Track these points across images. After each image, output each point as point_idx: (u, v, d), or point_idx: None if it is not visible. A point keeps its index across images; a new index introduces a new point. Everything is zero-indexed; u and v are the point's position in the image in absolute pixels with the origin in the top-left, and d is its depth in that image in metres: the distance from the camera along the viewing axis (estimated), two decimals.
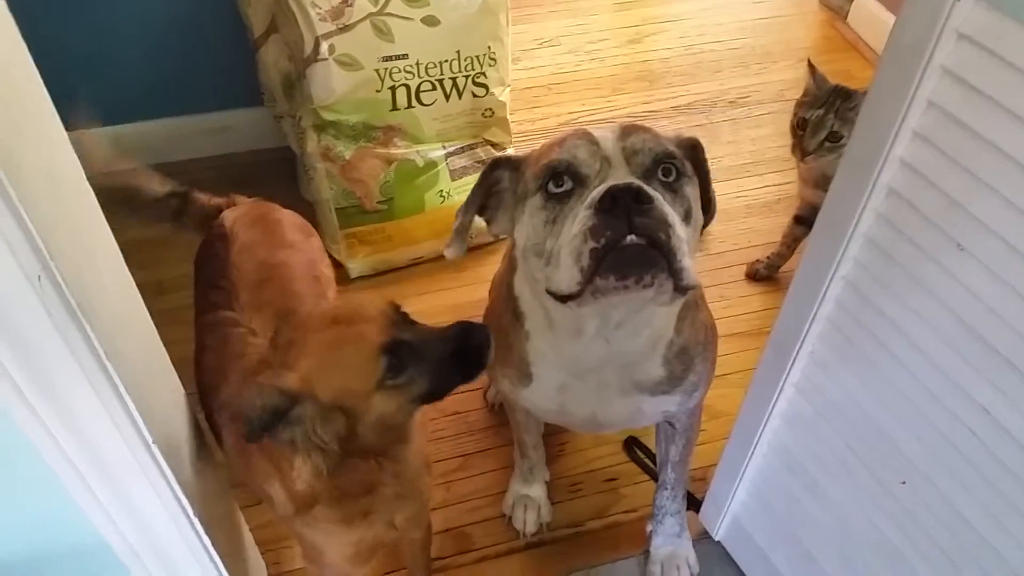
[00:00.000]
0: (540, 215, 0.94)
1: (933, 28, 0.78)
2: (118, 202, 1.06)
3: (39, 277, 0.65)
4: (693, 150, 1.02)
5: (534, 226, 0.95)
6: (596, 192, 0.88)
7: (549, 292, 0.93)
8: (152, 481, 0.90)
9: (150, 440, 0.86)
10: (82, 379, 0.74)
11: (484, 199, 1.07)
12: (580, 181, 0.92)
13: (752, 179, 2.25)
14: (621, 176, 0.91)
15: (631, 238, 0.85)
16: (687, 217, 0.93)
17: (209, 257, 1.26)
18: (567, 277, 0.88)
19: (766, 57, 2.65)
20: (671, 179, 0.93)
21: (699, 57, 2.64)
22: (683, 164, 0.96)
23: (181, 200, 1.37)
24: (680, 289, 0.88)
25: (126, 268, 0.89)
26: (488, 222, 1.08)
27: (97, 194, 0.82)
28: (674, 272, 0.86)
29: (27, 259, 0.64)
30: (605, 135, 0.95)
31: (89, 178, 0.80)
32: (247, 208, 1.34)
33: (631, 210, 0.85)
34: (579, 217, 0.88)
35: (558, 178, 0.93)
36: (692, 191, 0.97)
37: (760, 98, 2.50)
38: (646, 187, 0.88)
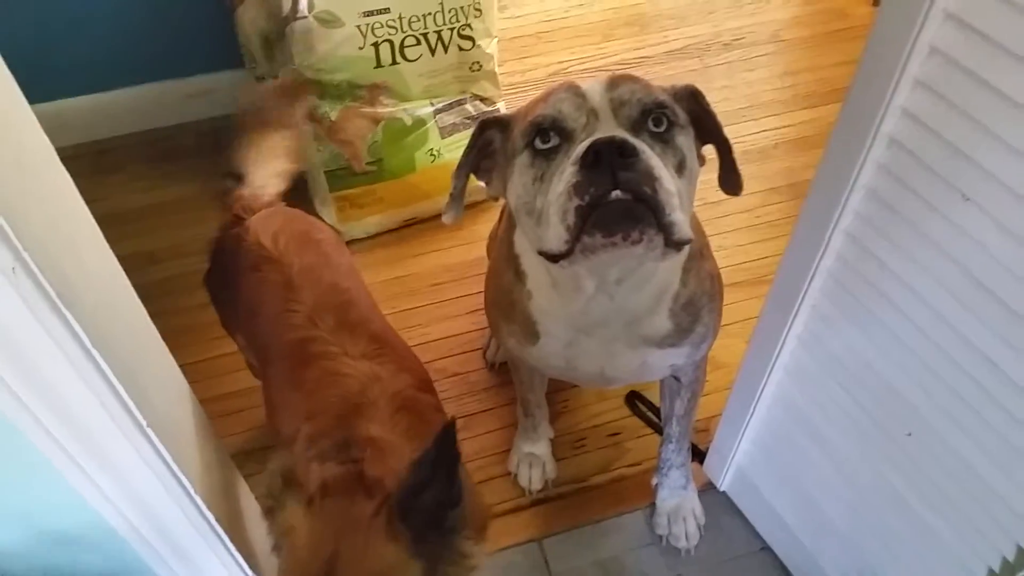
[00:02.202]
0: (528, 173, 0.92)
1: None
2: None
3: (13, 269, 0.63)
4: (693, 98, 0.99)
5: (523, 184, 0.93)
6: (580, 147, 0.86)
7: (540, 252, 0.92)
8: (150, 464, 0.89)
9: (144, 424, 0.85)
10: (68, 368, 0.72)
11: (477, 161, 1.05)
12: (566, 136, 0.90)
13: (748, 124, 2.21)
14: (608, 129, 0.88)
15: (616, 193, 0.83)
16: (680, 168, 0.91)
17: (257, 280, 1.18)
18: (555, 236, 0.87)
19: None
20: (662, 129, 0.91)
21: None
22: (675, 113, 0.93)
23: (234, 182, 1.32)
24: (672, 244, 0.86)
25: (108, 248, 0.87)
26: (486, 184, 1.06)
27: None
28: (663, 227, 0.84)
29: None
30: (593, 86, 0.92)
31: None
32: (282, 222, 1.25)
33: (615, 164, 0.83)
34: (565, 174, 0.86)
35: (544, 134, 0.91)
36: (686, 141, 0.94)
37: (755, 39, 2.45)
38: (631, 139, 0.85)
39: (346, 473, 0.91)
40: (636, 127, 0.90)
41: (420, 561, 0.85)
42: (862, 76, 0.88)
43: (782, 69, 2.38)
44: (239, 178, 1.33)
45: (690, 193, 0.94)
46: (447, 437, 0.81)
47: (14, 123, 0.71)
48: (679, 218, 0.85)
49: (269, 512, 0.90)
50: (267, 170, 1.34)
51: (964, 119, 0.80)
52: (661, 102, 0.91)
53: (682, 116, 0.95)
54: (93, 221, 0.84)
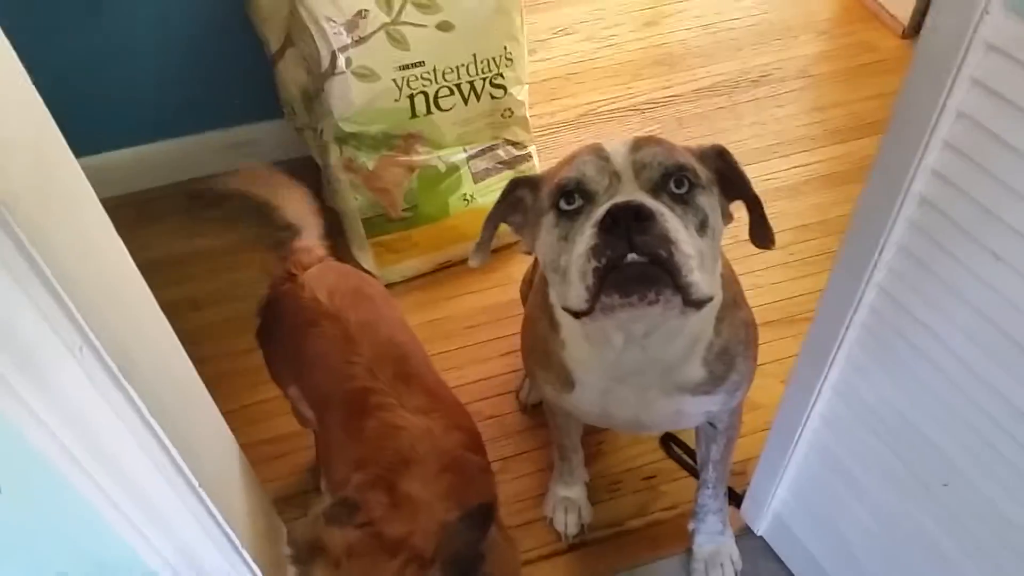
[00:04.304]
0: (554, 232, 0.96)
1: (962, 39, 0.76)
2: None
3: (80, 348, 0.67)
4: (720, 157, 1.02)
5: (549, 243, 0.97)
6: (600, 210, 0.89)
7: (564, 309, 0.95)
8: (200, 521, 0.92)
9: (196, 484, 0.88)
10: (128, 437, 0.76)
11: (505, 215, 1.09)
12: (589, 198, 0.94)
13: (779, 160, 2.21)
14: (629, 191, 0.91)
15: (632, 256, 0.86)
16: (703, 228, 0.93)
17: (316, 335, 1.21)
18: (576, 295, 0.90)
19: (786, 32, 2.59)
20: (683, 191, 0.93)
21: (718, 36, 2.59)
22: (696, 175, 0.95)
23: (290, 236, 1.36)
24: (691, 303, 0.89)
25: (164, 319, 0.91)
26: (520, 237, 1.10)
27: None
28: (680, 288, 0.87)
29: (67, 333, 0.66)
30: (617, 148, 0.96)
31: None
32: (335, 278, 1.29)
33: (631, 228, 0.86)
34: (585, 235, 0.90)
35: (568, 196, 0.94)
36: (708, 201, 0.96)
37: (782, 75, 2.46)
38: (648, 203, 0.88)
39: (369, 535, 0.94)
40: (657, 189, 0.93)
41: None
42: (891, 137, 0.89)
43: (811, 104, 2.38)
44: (296, 231, 1.37)
45: (713, 251, 0.96)
46: (485, 513, 0.86)
47: (79, 208, 0.75)
48: (697, 279, 0.88)
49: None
50: (318, 229, 1.39)
51: (993, 181, 0.81)
52: (681, 164, 0.94)
53: (704, 177, 0.97)
54: (150, 293, 0.88)
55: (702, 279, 0.89)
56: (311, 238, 1.37)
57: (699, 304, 0.90)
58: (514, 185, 1.07)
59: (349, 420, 1.13)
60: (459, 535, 0.87)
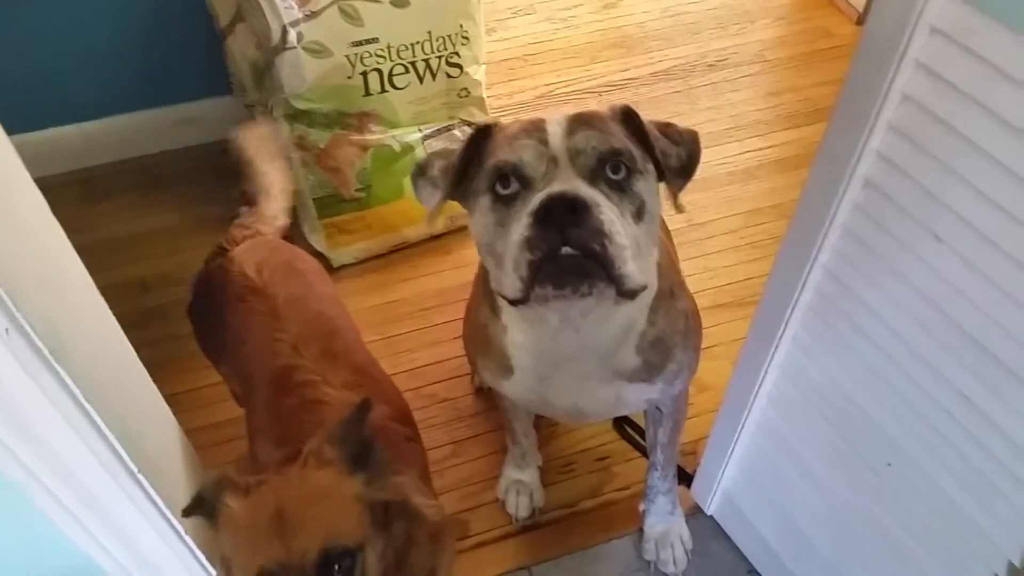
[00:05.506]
0: (490, 216, 0.94)
1: (907, 22, 0.77)
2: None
3: (7, 330, 0.65)
4: (628, 119, 1.00)
5: (485, 226, 0.95)
6: (535, 200, 0.88)
7: (500, 295, 0.94)
8: (140, 507, 0.90)
9: (135, 469, 0.86)
10: (61, 422, 0.74)
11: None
12: (526, 183, 0.92)
13: (733, 144, 2.23)
14: (566, 178, 0.90)
15: (566, 249, 0.85)
16: (639, 214, 0.92)
17: (243, 311, 1.19)
18: (510, 284, 0.89)
19: (744, 17, 2.61)
20: (619, 177, 0.92)
21: (676, 20, 2.60)
22: (632, 159, 0.93)
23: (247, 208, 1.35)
24: (624, 293, 0.89)
25: (101, 298, 0.88)
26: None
27: None
28: (614, 279, 0.87)
29: None
30: (555, 130, 0.93)
31: None
32: (266, 252, 1.27)
33: (565, 221, 0.85)
34: (520, 224, 0.88)
35: (504, 180, 0.92)
36: (645, 186, 0.95)
37: (739, 60, 2.47)
38: (583, 193, 0.87)
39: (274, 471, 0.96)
40: (594, 175, 0.91)
41: (358, 476, 0.89)
42: (838, 119, 0.90)
43: (766, 89, 2.40)
44: (252, 204, 1.35)
45: (650, 237, 0.95)
46: (365, 403, 0.91)
47: (8, 187, 0.72)
48: (630, 270, 0.87)
49: (212, 523, 0.91)
50: (279, 202, 1.37)
51: (935, 163, 0.82)
52: (616, 150, 0.92)
53: (639, 160, 0.95)
54: (85, 272, 0.85)
55: (636, 269, 0.88)
56: (271, 213, 1.35)
57: (632, 294, 0.90)
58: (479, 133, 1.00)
59: (273, 398, 1.11)
60: (343, 421, 0.90)
